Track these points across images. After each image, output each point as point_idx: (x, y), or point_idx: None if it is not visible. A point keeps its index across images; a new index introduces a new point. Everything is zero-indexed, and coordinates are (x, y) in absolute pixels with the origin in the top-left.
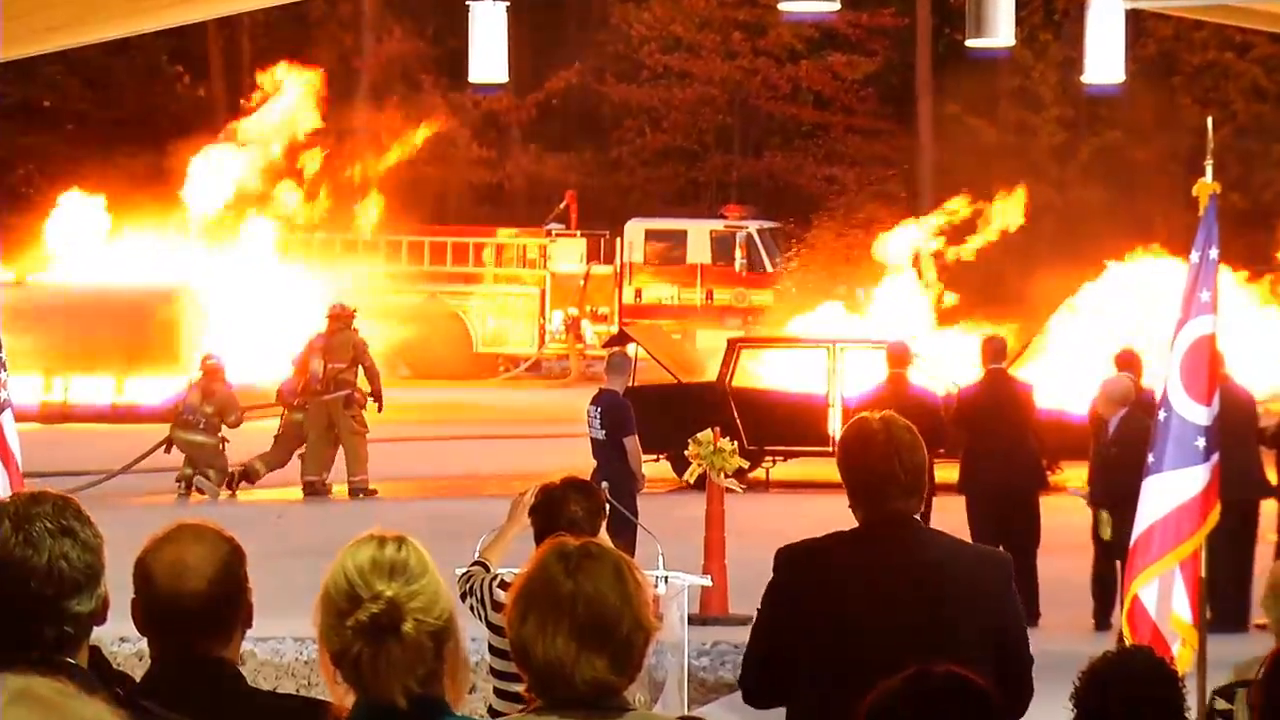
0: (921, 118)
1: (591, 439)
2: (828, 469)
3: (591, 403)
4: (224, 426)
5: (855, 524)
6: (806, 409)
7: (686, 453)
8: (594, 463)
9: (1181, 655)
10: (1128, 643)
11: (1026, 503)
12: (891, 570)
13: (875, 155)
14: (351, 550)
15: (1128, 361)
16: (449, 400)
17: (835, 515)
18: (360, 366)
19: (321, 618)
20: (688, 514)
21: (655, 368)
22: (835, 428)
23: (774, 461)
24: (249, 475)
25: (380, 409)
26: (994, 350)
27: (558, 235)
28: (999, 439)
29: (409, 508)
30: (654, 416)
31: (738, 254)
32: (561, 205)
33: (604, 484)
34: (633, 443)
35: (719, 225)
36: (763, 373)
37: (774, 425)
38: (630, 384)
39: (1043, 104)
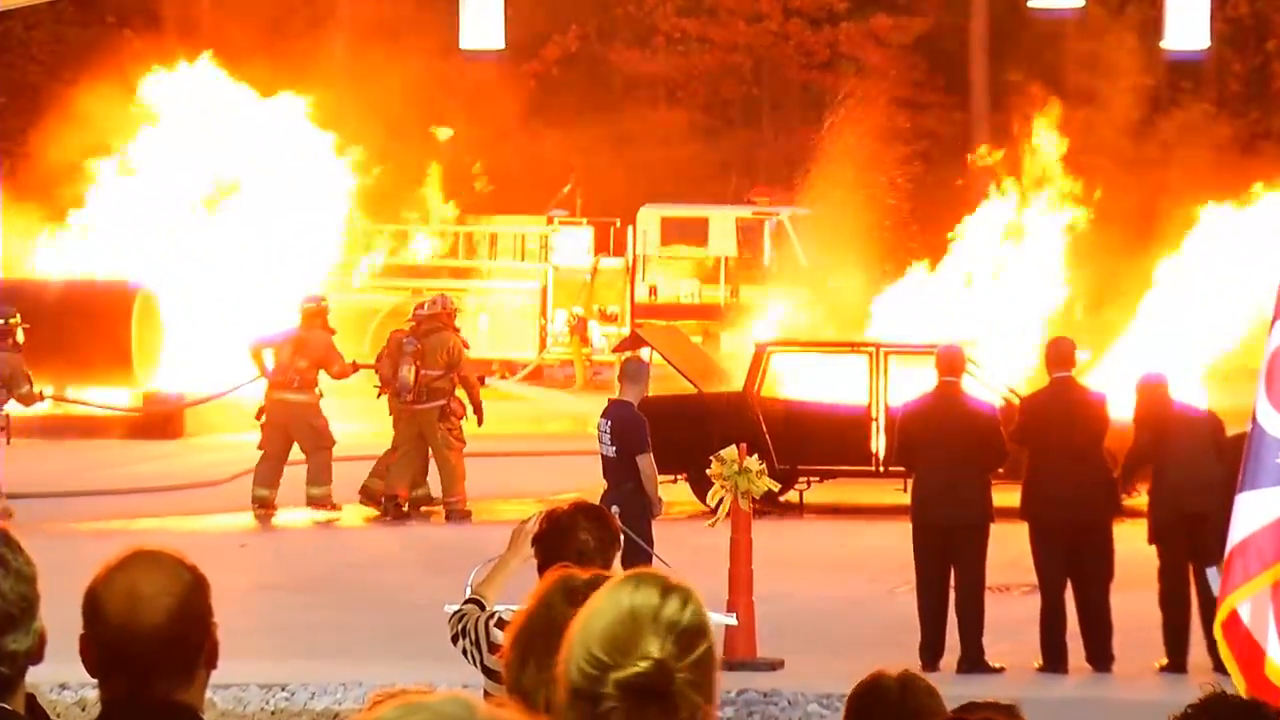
0: (976, 87)
1: (602, 456)
2: (869, 492)
3: (602, 415)
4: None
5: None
6: (846, 423)
7: (709, 472)
8: (604, 483)
9: None
10: (1223, 657)
11: (1099, 532)
12: None
13: (924, 130)
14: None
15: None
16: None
17: (877, 545)
18: (456, 374)
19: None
20: (710, 543)
21: (672, 375)
22: (879, 444)
23: (809, 483)
24: (416, 503)
25: (480, 422)
26: (1061, 354)
27: (561, 223)
28: (1066, 458)
29: (397, 536)
30: (671, 431)
31: (767, 244)
32: (565, 189)
33: (615, 508)
34: (647, 461)
35: (746, 212)
36: (796, 381)
37: (809, 442)
38: (645, 394)
39: (1117, 72)
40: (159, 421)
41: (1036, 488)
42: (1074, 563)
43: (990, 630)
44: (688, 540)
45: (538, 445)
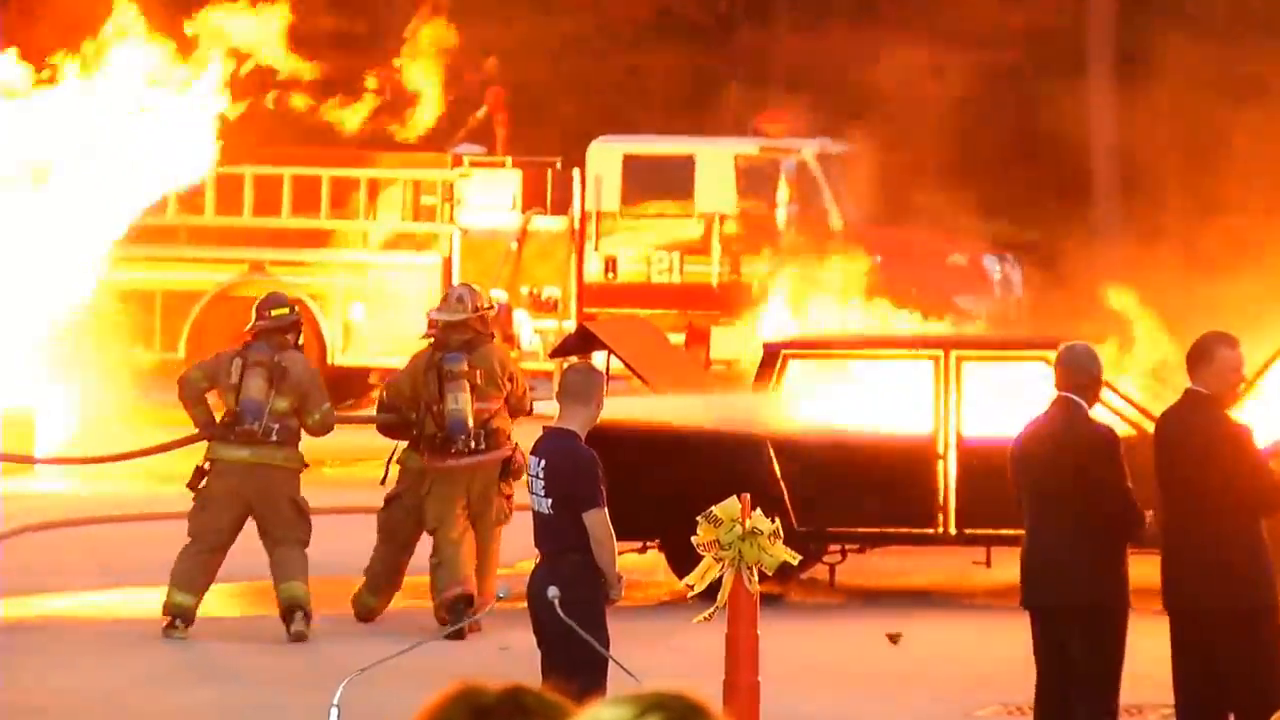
0: None
1: (533, 513)
2: (934, 566)
3: (531, 452)
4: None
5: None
6: (899, 462)
7: (695, 540)
8: (534, 553)
9: None
10: None
11: (1243, 628)
12: None
13: (1008, 30)
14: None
15: None
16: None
17: (947, 644)
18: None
19: None
20: (697, 642)
21: (639, 391)
22: (949, 494)
23: (843, 553)
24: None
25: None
26: (1198, 350)
27: (473, 164)
28: (1197, 513)
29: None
30: (638, 476)
31: (782, 195)
32: (479, 113)
33: (552, 591)
34: (599, 520)
35: (750, 147)
36: (824, 399)
37: (843, 490)
38: (597, 419)
39: None
40: None
41: (1168, 560)
42: (1218, 668)
43: None
44: (663, 637)
45: None
